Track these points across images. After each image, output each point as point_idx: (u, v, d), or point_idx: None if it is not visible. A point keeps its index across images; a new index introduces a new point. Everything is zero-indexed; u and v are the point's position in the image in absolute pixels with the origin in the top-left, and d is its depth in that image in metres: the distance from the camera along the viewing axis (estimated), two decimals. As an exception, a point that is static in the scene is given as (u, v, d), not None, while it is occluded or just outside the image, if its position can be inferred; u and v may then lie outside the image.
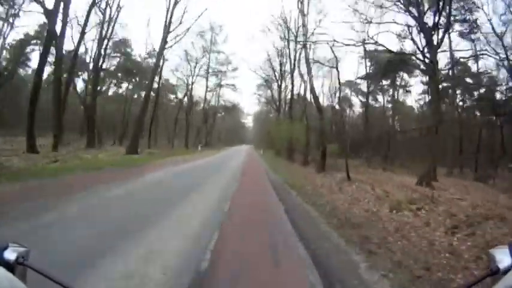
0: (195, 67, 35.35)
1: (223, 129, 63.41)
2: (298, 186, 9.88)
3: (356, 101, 36.80)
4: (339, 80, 16.29)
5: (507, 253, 0.62)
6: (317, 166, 14.93)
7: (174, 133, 33.05)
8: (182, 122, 36.62)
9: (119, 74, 38.01)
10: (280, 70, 30.60)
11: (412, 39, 13.92)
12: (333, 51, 14.58)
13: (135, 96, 40.96)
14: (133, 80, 39.32)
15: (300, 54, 21.80)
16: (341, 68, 31.93)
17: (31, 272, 0.63)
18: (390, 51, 17.38)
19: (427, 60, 12.24)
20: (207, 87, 39.65)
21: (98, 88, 34.20)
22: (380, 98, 34.73)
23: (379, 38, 28.49)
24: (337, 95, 22.01)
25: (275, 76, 31.90)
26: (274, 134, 25.98)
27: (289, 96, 29.04)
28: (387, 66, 25.93)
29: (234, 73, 40.81)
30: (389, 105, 34.50)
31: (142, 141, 24.93)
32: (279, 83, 31.55)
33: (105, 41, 22.24)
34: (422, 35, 12.61)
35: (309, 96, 22.10)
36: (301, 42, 16.10)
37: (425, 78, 28.07)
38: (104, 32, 21.98)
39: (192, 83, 35.33)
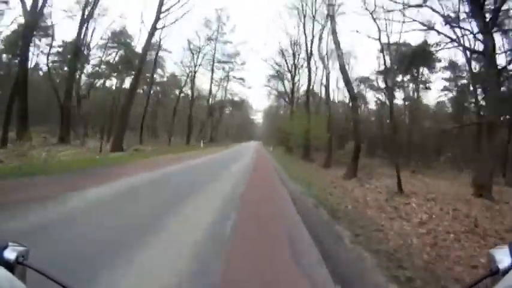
0: (197, 56, 31.92)
1: (232, 125, 60.02)
2: (334, 206, 6.27)
3: (370, 98, 34.06)
4: (383, 53, 12.32)
5: (507, 253, 0.58)
6: (347, 170, 11.21)
7: (172, 126, 29.55)
8: (184, 117, 33.35)
9: (119, 67, 35.14)
10: (294, 60, 27.98)
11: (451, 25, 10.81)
12: (374, 20, 10.91)
13: (140, 91, 38.21)
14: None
15: (321, 34, 18.23)
16: (355, 63, 28.49)
17: (31, 271, 0.61)
18: (436, 31, 13.83)
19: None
20: (212, 78, 36.34)
21: (96, 81, 31.74)
22: (397, 94, 31.67)
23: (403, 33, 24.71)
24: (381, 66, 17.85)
25: (288, 67, 29.12)
26: (288, 129, 22.28)
27: (303, 89, 26.26)
28: (413, 57, 22.80)
29: (242, 66, 38.15)
30: (406, 103, 31.42)
31: (134, 137, 21.73)
32: (293, 74, 28.64)
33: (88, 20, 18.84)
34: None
35: (332, 83, 18.58)
36: (328, 3, 12.30)
37: (448, 74, 25.99)
38: (86, 12, 18.62)
39: (195, 72, 31.94)
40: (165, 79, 40.71)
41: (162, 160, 12.23)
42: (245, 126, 70.68)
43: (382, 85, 30.42)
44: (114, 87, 36.30)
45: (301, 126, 18.29)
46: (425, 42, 21.71)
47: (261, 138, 70.16)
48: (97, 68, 31.01)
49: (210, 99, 38.60)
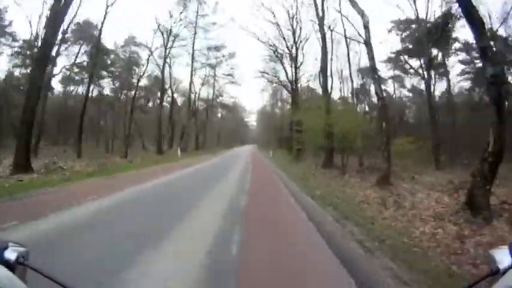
0: (168, 38, 25.64)
1: (223, 128, 53.45)
2: None
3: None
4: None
5: (507, 253, 0.57)
6: (471, 199, 4.78)
7: (129, 130, 22.91)
8: (165, 122, 26.85)
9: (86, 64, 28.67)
10: (294, 38, 22.37)
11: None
12: None
13: (122, 97, 31.81)
14: (109, 73, 30.11)
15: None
16: (357, 53, 22.80)
17: (30, 271, 0.61)
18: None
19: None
20: (192, 69, 30.05)
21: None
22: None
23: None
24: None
25: (287, 47, 23.33)
26: (294, 125, 16.01)
27: (305, 77, 20.68)
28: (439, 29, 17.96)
29: (231, 60, 32.62)
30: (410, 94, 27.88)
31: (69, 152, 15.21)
32: (294, 55, 23.00)
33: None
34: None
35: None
36: None
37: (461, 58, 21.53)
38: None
39: (165, 57, 25.67)
40: (145, 80, 34.60)
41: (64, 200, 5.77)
42: (238, 129, 64.34)
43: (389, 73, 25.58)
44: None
45: (318, 118, 11.97)
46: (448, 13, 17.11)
47: (256, 142, 64.19)
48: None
49: (192, 96, 32.18)
